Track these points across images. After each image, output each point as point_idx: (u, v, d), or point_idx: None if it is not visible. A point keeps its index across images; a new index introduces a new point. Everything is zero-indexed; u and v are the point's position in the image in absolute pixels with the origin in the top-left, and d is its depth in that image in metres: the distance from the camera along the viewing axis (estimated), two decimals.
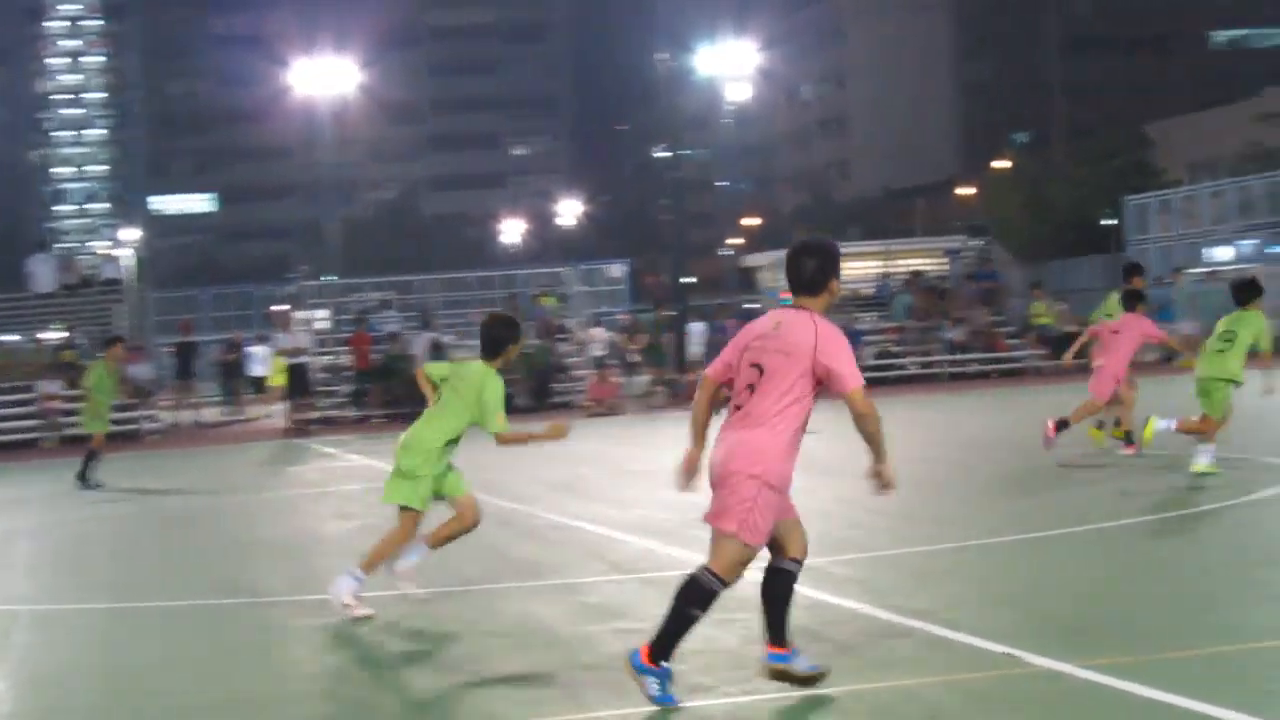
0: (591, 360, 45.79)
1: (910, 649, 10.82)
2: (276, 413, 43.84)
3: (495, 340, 13.25)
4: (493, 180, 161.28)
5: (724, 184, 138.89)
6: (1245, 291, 19.97)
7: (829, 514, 17.75)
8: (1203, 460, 19.40)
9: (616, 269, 59.66)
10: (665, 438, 32.93)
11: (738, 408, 9.63)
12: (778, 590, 9.81)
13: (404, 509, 13.27)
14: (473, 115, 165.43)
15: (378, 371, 44.22)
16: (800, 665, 9.83)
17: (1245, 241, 64.76)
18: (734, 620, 11.60)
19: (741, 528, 9.43)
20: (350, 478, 27.28)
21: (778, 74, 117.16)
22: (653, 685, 9.52)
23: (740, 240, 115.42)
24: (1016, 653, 10.31)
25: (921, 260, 54.60)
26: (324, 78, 66.23)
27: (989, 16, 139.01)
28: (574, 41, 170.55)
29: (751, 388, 9.56)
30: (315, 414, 42.79)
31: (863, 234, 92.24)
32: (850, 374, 9.41)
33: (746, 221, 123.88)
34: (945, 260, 54.24)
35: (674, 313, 49.93)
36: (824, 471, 21.49)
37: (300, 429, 40.91)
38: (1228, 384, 19.55)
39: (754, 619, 10.29)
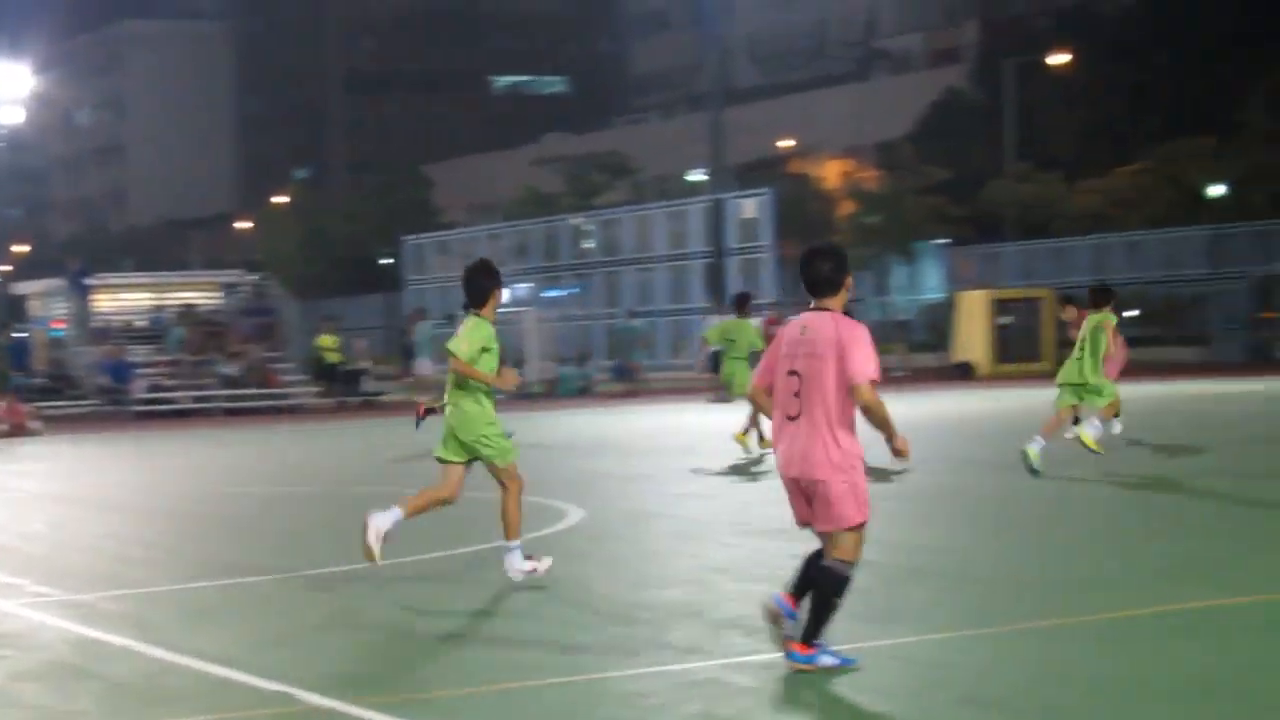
0: None
1: (185, 686, 10.47)
2: None
3: (480, 289, 13.77)
4: None
5: None
6: (1096, 295, 22.33)
7: (100, 549, 17.19)
8: (1090, 432, 21.71)
9: None
10: None
11: (790, 417, 10.15)
12: (822, 587, 10.28)
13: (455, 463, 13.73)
14: None
15: None
16: (826, 661, 10.18)
17: (520, 284, 66.37)
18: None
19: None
20: None
21: (52, 99, 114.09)
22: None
23: (8, 267, 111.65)
24: (291, 690, 10.06)
25: (197, 293, 53.75)
26: None
27: (271, 50, 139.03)
28: None
29: (797, 394, 10.09)
30: None
31: (136, 265, 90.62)
32: (861, 367, 9.94)
33: (17, 248, 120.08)
34: (221, 294, 53.55)
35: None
36: (99, 506, 20.84)
37: None
38: (1078, 387, 21.96)
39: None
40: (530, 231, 72.75)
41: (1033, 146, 77.63)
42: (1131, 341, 28.15)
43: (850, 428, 10.11)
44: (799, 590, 10.36)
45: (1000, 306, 57.05)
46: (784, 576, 13.93)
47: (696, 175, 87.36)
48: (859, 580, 13.87)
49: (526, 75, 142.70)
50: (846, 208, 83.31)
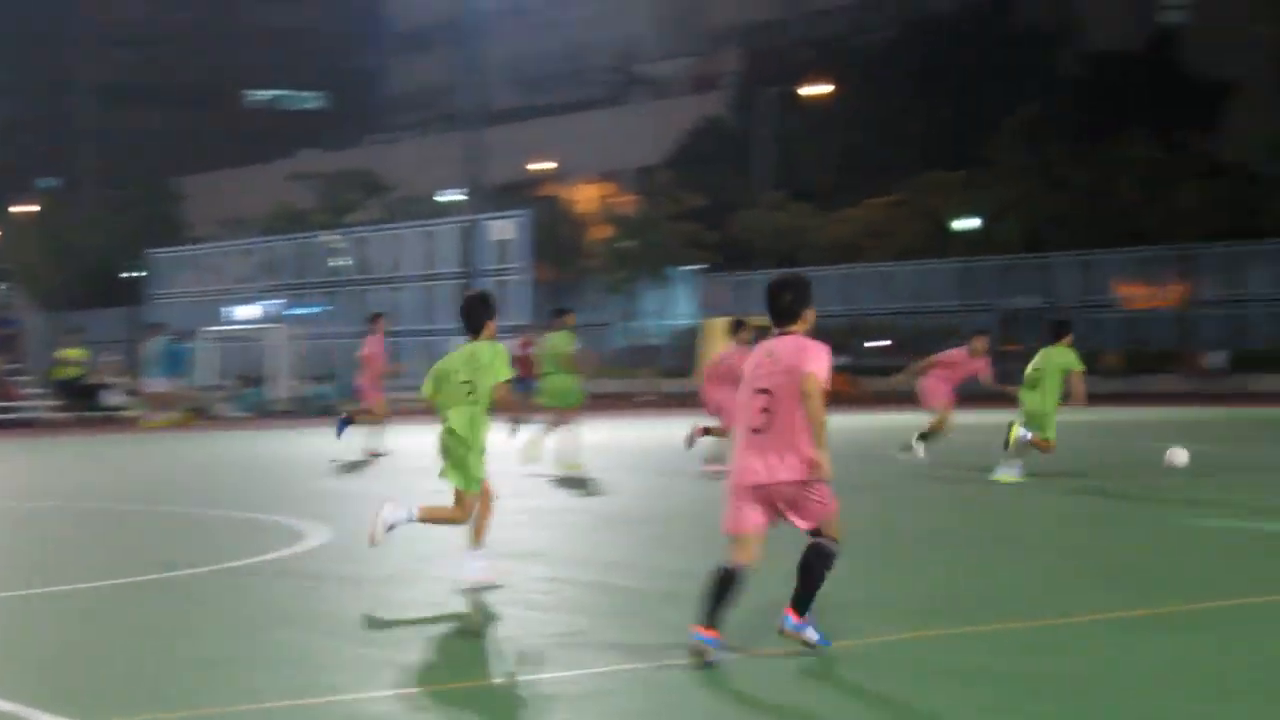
0: None
1: None
2: None
3: (476, 318, 14.10)
4: None
5: None
6: (1056, 328, 23.27)
7: None
8: (1009, 472, 23.04)
9: None
10: None
11: (755, 430, 10.75)
12: (814, 563, 10.95)
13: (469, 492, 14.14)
14: None
15: None
16: (810, 635, 10.97)
17: (270, 301, 65.57)
18: None
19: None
20: None
21: None
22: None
23: None
24: (22, 710, 9.69)
25: None
26: None
27: (20, 56, 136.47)
28: None
29: (766, 409, 10.72)
30: None
31: None
32: (817, 365, 10.68)
33: None
34: None
35: None
36: None
37: None
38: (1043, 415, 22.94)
39: None
40: (281, 248, 71.90)
41: (788, 176, 78.42)
42: (879, 371, 28.33)
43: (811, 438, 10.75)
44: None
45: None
46: (533, 599, 13.77)
47: (448, 195, 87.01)
48: (615, 601, 13.80)
49: (282, 90, 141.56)
50: (602, 231, 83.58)
